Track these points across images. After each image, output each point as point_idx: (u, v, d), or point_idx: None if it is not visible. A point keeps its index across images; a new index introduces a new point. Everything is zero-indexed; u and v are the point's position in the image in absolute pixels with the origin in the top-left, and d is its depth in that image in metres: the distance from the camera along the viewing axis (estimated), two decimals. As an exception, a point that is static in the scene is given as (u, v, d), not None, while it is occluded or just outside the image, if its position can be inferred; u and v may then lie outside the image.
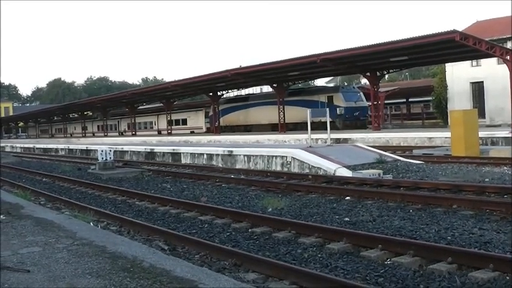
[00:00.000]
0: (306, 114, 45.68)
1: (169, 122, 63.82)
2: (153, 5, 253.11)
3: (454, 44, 31.09)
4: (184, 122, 66.71)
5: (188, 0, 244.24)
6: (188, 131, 63.84)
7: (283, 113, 47.59)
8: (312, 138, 24.81)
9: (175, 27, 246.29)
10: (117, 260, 5.93)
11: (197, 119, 65.97)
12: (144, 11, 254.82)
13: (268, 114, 52.04)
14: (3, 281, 5.27)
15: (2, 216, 9.30)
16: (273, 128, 50.17)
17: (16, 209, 10.23)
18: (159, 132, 69.59)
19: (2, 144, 63.69)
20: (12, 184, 19.89)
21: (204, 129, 63.55)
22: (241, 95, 59.43)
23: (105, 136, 74.35)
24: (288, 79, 48.16)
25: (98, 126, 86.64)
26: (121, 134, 77.31)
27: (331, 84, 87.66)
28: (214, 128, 53.58)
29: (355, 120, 45.80)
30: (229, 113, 57.55)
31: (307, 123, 45.59)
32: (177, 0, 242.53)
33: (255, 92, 61.22)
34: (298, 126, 46.95)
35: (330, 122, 44.85)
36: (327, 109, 24.71)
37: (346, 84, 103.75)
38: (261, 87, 59.54)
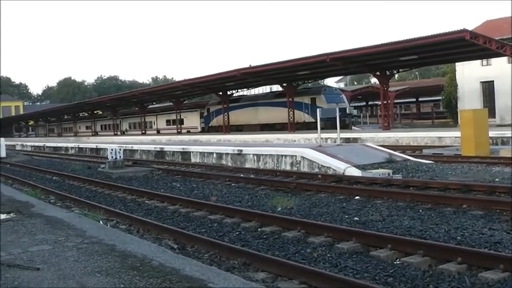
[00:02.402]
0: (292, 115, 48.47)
1: (180, 121, 65.22)
2: (164, 4, 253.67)
3: (464, 43, 30.93)
4: (181, 122, 68.22)
5: (198, 0, 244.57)
6: (185, 131, 65.58)
7: (294, 113, 47.84)
8: (321, 138, 24.71)
9: (185, 26, 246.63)
10: (126, 259, 5.95)
11: (193, 120, 67.90)
12: (155, 10, 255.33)
13: (257, 115, 54.72)
14: (13, 278, 5.30)
15: (12, 215, 9.35)
16: (261, 128, 52.84)
17: (26, 207, 10.29)
18: (158, 132, 72.20)
19: (13, 143, 64.04)
20: (22, 182, 20.01)
21: (199, 129, 65.89)
22: (232, 97, 60.16)
23: (115, 135, 74.95)
24: (298, 78, 48.18)
25: (101, 125, 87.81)
26: (122, 133, 78.33)
27: (341, 83, 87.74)
28: (224, 128, 53.98)
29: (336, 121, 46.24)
30: (222, 114, 59.00)
31: (294, 123, 47.57)
32: (188, 0, 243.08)
33: (263, 92, 61.63)
34: (286, 127, 49.46)
35: (312, 122, 46.70)
36: (337, 109, 24.62)
37: (355, 83, 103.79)
38: (271, 86, 59.77)
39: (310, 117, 48.18)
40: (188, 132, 63.59)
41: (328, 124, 44.29)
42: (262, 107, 54.50)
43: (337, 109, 24.67)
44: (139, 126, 74.93)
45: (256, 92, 63.38)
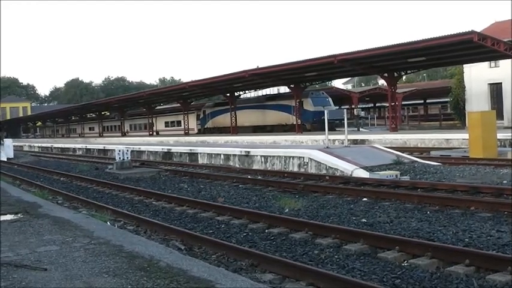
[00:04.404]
0: (281, 117, 52.11)
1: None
2: (171, 5, 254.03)
3: (472, 45, 30.80)
4: (179, 123, 69.75)
5: (206, 0, 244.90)
6: (182, 132, 66.58)
7: (298, 115, 47.84)
8: (329, 139, 24.67)
9: (193, 27, 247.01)
10: (134, 260, 5.96)
11: (190, 121, 68.93)
12: (162, 11, 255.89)
13: (250, 117, 56.86)
14: (21, 279, 5.31)
15: (20, 215, 9.38)
16: (254, 129, 54.99)
17: (34, 208, 10.32)
18: (157, 133, 73.86)
19: (20, 144, 64.37)
20: (30, 183, 20.06)
21: (196, 130, 68.30)
22: (225, 100, 60.69)
23: (122, 136, 75.28)
24: (305, 80, 48.12)
25: (104, 127, 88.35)
26: (124, 135, 78.89)
27: (349, 85, 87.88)
28: (232, 129, 54.07)
29: (323, 123, 46.79)
30: (218, 115, 61.67)
31: (283, 125, 49.16)
32: (195, 1, 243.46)
33: (271, 93, 61.92)
34: (275, 128, 52.02)
35: (301, 124, 47.11)
36: (345, 110, 24.58)
37: (363, 85, 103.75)
38: (278, 87, 59.86)
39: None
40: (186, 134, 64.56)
41: (315, 126, 45.65)
42: (255, 110, 56.71)
43: (345, 111, 24.58)
44: (140, 128, 75.81)
45: (262, 94, 63.68)
